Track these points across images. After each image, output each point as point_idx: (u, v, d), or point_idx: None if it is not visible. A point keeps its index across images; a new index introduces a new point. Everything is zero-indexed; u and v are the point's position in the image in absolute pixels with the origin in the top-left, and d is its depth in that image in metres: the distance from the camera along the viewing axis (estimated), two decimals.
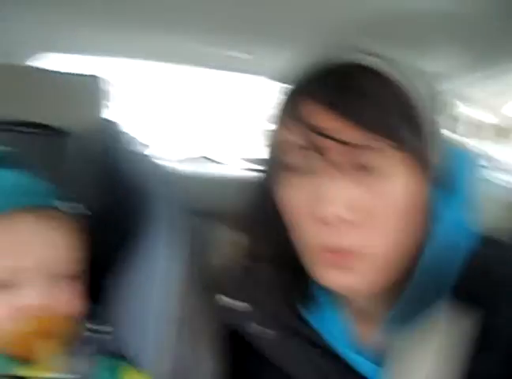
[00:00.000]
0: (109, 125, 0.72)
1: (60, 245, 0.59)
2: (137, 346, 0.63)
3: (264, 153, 0.57)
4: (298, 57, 0.54)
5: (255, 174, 0.61)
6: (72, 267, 0.60)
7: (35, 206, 0.58)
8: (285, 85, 0.53)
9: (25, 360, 0.57)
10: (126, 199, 0.68)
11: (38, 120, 0.80)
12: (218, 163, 1.59)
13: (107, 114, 0.86)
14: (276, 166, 0.54)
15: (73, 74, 0.86)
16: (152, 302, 0.63)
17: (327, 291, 0.56)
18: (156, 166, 0.72)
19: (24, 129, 0.79)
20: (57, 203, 0.61)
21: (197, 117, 2.59)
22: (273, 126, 0.54)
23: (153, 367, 0.60)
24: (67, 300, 0.59)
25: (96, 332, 0.62)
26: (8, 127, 0.78)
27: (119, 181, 0.68)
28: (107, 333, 0.63)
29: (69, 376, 0.56)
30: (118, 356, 0.62)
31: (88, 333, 0.61)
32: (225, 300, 0.63)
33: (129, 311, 0.65)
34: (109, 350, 0.62)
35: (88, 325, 0.62)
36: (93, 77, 0.86)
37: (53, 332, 0.57)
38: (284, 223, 0.54)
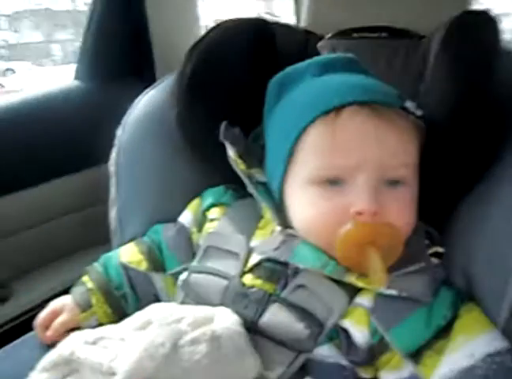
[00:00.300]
0: (488, 22, 0.65)
1: (391, 146, 0.57)
2: (481, 283, 0.57)
3: None
4: None
5: None
6: (401, 171, 0.58)
7: (370, 103, 0.57)
8: None
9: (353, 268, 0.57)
10: (487, 116, 0.61)
11: (400, 25, 0.79)
12: None
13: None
14: None
15: None
16: (498, 237, 0.56)
17: None
18: None
19: (386, 35, 0.80)
20: (394, 104, 0.60)
21: None
22: None
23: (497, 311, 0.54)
24: (396, 207, 0.57)
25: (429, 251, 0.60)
26: (370, 34, 0.81)
27: (486, 92, 0.61)
28: (440, 256, 0.61)
29: (404, 293, 0.54)
30: (454, 285, 0.59)
31: (422, 253, 0.59)
32: None
33: (470, 240, 0.59)
34: (442, 276, 0.59)
35: (424, 243, 0.60)
36: None
37: (381, 241, 0.54)
38: None
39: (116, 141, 0.89)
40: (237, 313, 0.58)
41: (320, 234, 0.58)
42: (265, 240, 0.64)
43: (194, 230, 0.75)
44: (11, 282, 1.08)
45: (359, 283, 0.56)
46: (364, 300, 0.57)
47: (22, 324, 1.03)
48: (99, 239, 0.95)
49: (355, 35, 0.89)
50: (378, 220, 0.55)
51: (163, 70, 1.21)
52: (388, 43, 0.84)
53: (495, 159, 0.61)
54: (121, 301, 0.72)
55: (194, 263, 0.68)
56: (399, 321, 0.54)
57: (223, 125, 0.70)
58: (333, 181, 0.58)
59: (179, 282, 0.68)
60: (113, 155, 0.89)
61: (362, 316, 0.56)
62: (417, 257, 0.58)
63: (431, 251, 0.61)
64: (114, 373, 0.49)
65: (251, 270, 0.62)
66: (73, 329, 0.66)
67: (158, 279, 0.73)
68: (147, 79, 1.17)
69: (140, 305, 0.68)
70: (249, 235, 0.66)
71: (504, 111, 0.61)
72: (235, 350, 0.51)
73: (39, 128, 1.09)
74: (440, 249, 0.62)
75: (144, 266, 0.74)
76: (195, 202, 0.78)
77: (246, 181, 0.68)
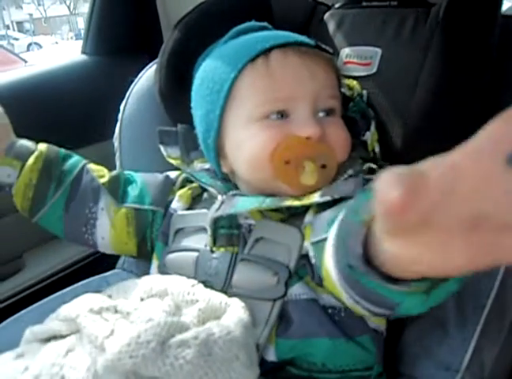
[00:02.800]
0: None
1: (321, 79, 0.64)
2: None
3: None
4: None
5: None
6: (332, 102, 0.65)
7: (289, 45, 0.64)
8: None
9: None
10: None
11: None
12: None
13: None
14: None
15: None
16: None
17: None
18: None
19: (396, 3, 0.81)
20: (309, 43, 0.66)
21: None
22: None
23: None
24: (334, 131, 0.64)
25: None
26: (379, 3, 0.82)
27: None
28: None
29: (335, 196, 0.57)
30: None
31: (351, 165, 0.64)
32: None
33: None
34: None
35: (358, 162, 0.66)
36: None
37: (318, 159, 0.61)
38: None
39: (120, 116, 0.89)
40: (210, 279, 0.61)
41: (266, 163, 0.61)
42: (210, 209, 0.66)
43: (177, 184, 0.75)
44: (23, 254, 1.11)
45: (296, 203, 0.59)
46: (310, 217, 0.60)
47: (33, 294, 1.06)
48: None
49: (364, 3, 0.86)
50: (315, 139, 0.60)
51: None
52: (397, 11, 0.80)
53: None
54: (50, 185, 0.69)
55: (168, 246, 0.69)
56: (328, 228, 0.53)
57: (157, 130, 0.74)
58: (275, 115, 0.62)
59: (156, 267, 0.69)
60: (117, 129, 0.89)
61: (308, 233, 0.59)
62: (348, 168, 0.63)
63: (365, 167, 0.65)
64: (104, 350, 0.49)
65: (215, 242, 0.64)
66: None
67: (106, 199, 0.71)
68: (156, 54, 1.16)
69: (62, 210, 0.69)
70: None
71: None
72: (225, 357, 0.50)
73: (46, 103, 1.09)
74: (373, 165, 0.65)
75: (103, 181, 0.73)
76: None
77: (184, 172, 0.73)
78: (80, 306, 0.56)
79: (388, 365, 0.63)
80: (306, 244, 0.59)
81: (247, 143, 0.63)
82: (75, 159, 0.74)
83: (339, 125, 0.65)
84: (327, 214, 0.57)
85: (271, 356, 0.58)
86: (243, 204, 0.62)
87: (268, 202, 0.60)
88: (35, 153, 0.69)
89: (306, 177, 0.59)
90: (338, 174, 0.63)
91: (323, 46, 0.68)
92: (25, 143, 0.71)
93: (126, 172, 0.78)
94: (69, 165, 0.72)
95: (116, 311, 0.55)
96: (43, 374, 0.51)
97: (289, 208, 0.61)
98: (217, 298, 0.57)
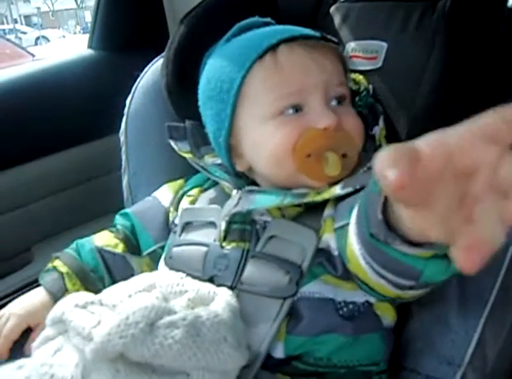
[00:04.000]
0: None
1: (328, 68, 0.65)
2: None
3: None
4: None
5: None
6: (341, 89, 0.66)
7: (294, 38, 0.64)
8: None
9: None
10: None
11: None
12: None
13: None
14: None
15: None
16: None
17: None
18: None
19: None
20: (314, 35, 0.67)
21: None
22: None
23: None
24: (350, 118, 0.64)
25: None
26: None
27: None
28: None
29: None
30: None
31: (369, 159, 0.63)
32: None
33: None
34: None
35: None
36: None
37: (340, 148, 0.61)
38: None
39: (126, 110, 0.89)
40: (219, 274, 0.61)
41: (288, 159, 0.61)
42: (226, 204, 0.66)
43: (172, 209, 0.75)
44: (31, 247, 1.12)
45: (317, 197, 0.59)
46: (330, 210, 0.60)
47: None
48: (114, 207, 0.97)
49: None
50: (331, 129, 0.60)
51: None
52: (403, 5, 0.80)
53: None
54: (98, 284, 0.71)
55: (175, 238, 0.69)
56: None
57: (166, 126, 0.74)
58: (290, 109, 0.62)
59: (162, 259, 0.69)
60: (123, 124, 0.90)
61: (329, 224, 0.59)
62: (366, 162, 0.62)
63: None
64: (92, 339, 0.49)
65: (225, 237, 0.64)
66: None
67: (134, 261, 0.74)
68: (162, 49, 1.17)
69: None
70: (223, 206, 0.67)
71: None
72: (213, 339, 0.50)
73: (52, 98, 1.10)
74: None
75: (120, 248, 0.75)
76: (178, 183, 0.79)
77: (195, 166, 0.73)
78: (64, 304, 0.56)
79: (391, 359, 0.63)
80: (327, 236, 0.59)
81: (266, 141, 0.63)
82: (87, 252, 0.73)
83: (352, 113, 0.65)
84: (349, 201, 0.57)
85: (279, 352, 0.58)
86: (263, 201, 0.62)
87: (289, 199, 0.60)
88: (66, 278, 0.70)
89: (330, 168, 0.59)
90: (358, 165, 0.63)
91: (329, 36, 0.68)
92: (49, 277, 0.70)
93: (120, 226, 0.77)
94: (90, 262, 0.72)
95: (102, 304, 0.55)
96: (33, 375, 0.52)
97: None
98: (206, 287, 0.58)
